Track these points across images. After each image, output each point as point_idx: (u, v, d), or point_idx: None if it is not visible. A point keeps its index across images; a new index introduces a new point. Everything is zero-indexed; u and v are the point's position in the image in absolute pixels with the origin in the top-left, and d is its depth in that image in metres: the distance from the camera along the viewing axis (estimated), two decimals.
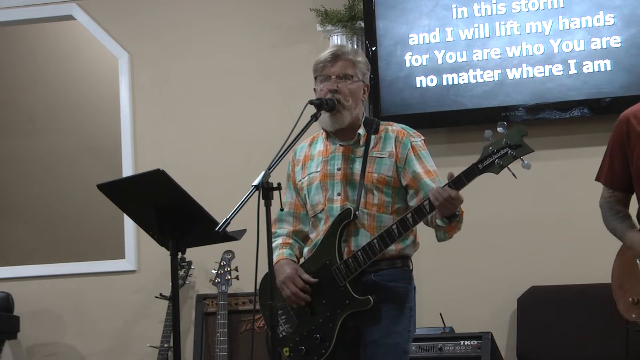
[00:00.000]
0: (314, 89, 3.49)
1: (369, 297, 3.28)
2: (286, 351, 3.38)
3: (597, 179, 3.56)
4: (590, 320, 4.95)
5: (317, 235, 3.44)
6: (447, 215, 3.19)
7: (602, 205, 3.54)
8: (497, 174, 3.10)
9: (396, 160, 3.37)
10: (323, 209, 3.41)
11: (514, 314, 5.25)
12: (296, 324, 3.39)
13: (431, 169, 3.39)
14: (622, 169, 3.45)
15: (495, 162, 3.07)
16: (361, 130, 3.43)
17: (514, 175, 3.06)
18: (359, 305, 3.28)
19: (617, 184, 3.49)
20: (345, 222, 3.33)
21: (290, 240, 3.52)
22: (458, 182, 3.12)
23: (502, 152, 3.06)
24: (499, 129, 3.07)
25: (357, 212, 3.32)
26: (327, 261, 3.34)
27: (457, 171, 3.14)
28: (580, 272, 5.14)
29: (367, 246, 3.27)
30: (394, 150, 3.39)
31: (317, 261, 3.38)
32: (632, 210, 3.51)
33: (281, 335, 3.40)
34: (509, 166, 3.07)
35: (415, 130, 3.48)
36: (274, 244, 3.31)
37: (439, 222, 3.24)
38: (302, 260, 3.49)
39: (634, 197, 3.50)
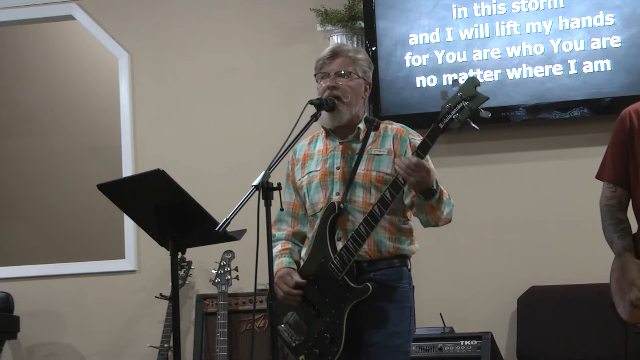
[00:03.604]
0: (318, 89, 3.49)
1: (367, 284, 3.27)
2: (302, 359, 3.38)
3: (598, 176, 3.54)
4: (590, 320, 4.94)
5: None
6: (421, 191, 3.18)
7: (603, 209, 3.50)
8: (458, 129, 3.14)
9: (394, 157, 3.37)
10: (322, 208, 3.40)
11: (514, 314, 5.25)
12: (306, 330, 3.38)
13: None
14: (625, 165, 3.43)
15: (454, 117, 3.12)
16: (361, 125, 3.43)
17: (475, 127, 3.08)
18: (359, 294, 3.27)
19: (620, 180, 3.46)
20: (332, 217, 3.33)
21: (289, 245, 3.51)
22: (423, 146, 3.15)
23: (459, 106, 3.11)
24: (453, 88, 3.13)
25: (342, 205, 3.32)
26: (323, 259, 3.34)
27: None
28: (580, 272, 5.14)
29: (355, 233, 3.27)
30: (392, 147, 3.39)
31: (314, 261, 3.38)
32: (630, 215, 3.50)
33: (294, 345, 3.39)
34: (469, 118, 3.11)
35: (415, 131, 3.49)
36: (273, 252, 3.26)
37: (416, 200, 3.25)
38: (301, 263, 3.48)
39: None
